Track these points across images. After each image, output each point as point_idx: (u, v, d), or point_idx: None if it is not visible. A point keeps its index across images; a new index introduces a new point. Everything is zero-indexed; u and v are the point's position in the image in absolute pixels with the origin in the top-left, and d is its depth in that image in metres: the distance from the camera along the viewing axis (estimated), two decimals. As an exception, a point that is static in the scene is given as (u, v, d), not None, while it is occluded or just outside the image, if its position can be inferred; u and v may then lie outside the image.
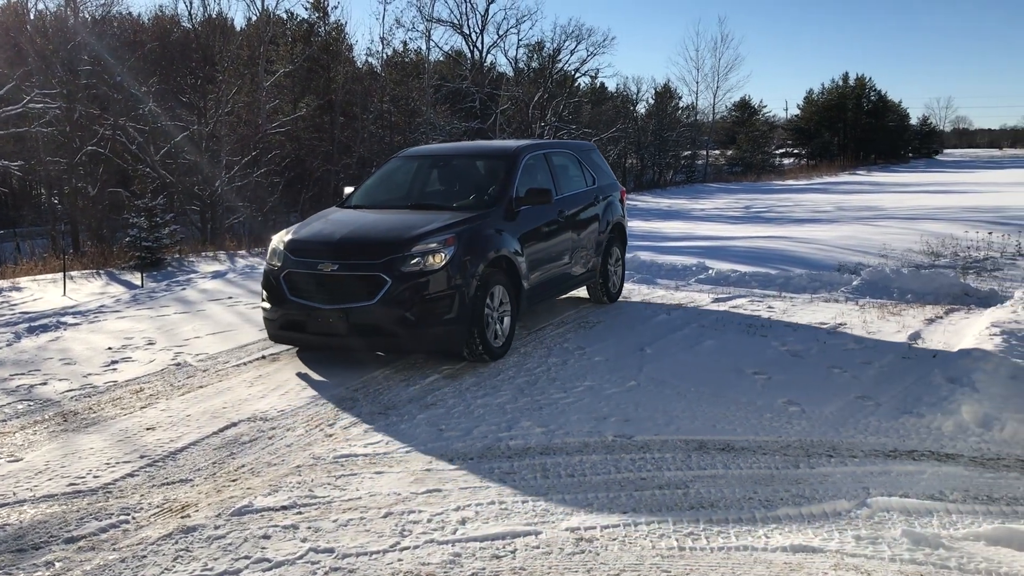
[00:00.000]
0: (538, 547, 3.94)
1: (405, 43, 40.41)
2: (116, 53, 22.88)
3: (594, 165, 9.82)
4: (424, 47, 38.73)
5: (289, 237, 7.34)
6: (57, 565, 3.85)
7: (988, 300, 9.63)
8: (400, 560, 3.83)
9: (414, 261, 6.67)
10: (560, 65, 41.08)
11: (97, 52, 22.32)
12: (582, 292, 9.82)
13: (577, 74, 42.49)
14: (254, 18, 28.78)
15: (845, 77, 75.27)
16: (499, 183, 7.98)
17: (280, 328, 7.14)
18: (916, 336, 7.86)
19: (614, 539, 4.00)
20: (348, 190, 8.84)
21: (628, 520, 4.19)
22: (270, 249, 7.42)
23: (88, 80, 22.23)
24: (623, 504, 4.39)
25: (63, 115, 21.36)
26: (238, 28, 30.90)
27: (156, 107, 22.63)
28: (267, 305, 7.19)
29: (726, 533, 4.06)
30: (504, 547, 3.94)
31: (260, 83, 26.06)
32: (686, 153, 52.00)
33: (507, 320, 7.37)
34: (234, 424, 5.71)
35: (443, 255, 6.73)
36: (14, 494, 4.65)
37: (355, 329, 6.72)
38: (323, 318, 6.77)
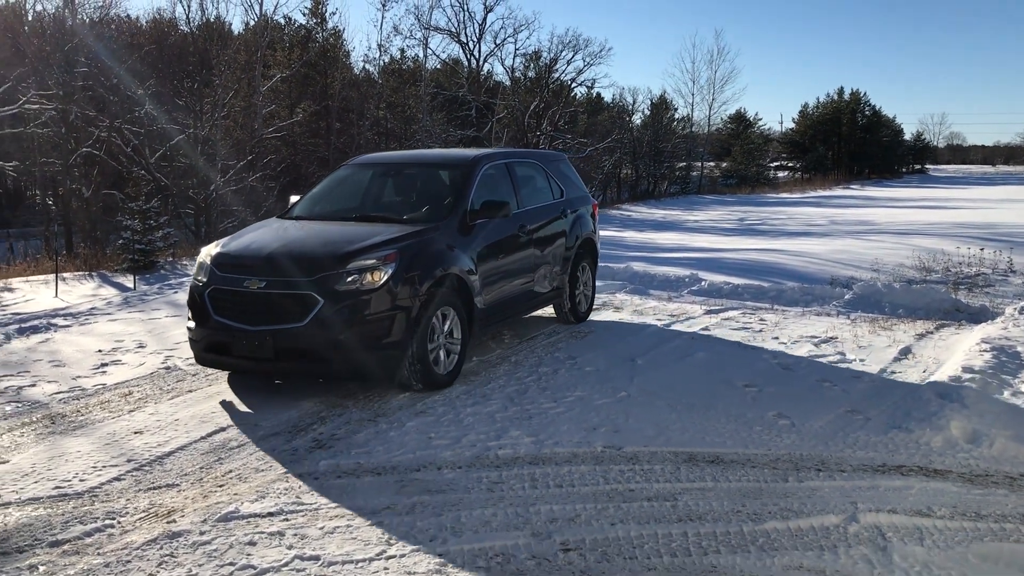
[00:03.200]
0: (525, 558, 3.93)
1: (403, 50, 40.52)
2: (113, 55, 22.82)
3: (562, 176, 9.24)
4: (421, 55, 38.75)
5: (217, 251, 6.70)
6: (41, 569, 3.82)
7: (979, 316, 9.66)
8: (386, 569, 3.82)
9: (350, 279, 6.09)
10: (557, 75, 41.12)
11: (95, 54, 22.28)
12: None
13: (574, 84, 42.55)
14: (252, 23, 28.82)
15: (840, 92, 75.70)
16: (453, 194, 7.38)
17: (204, 350, 6.48)
18: (907, 351, 7.88)
19: (601, 550, 3.99)
20: (293, 199, 8.20)
21: (616, 532, 4.18)
22: (197, 263, 6.79)
23: (85, 81, 22.18)
24: (611, 515, 4.38)
25: (59, 116, 21.32)
26: (236, 33, 30.92)
27: (152, 110, 22.59)
28: (191, 324, 6.55)
29: (715, 547, 4.05)
30: (491, 557, 3.93)
31: (257, 87, 26.07)
32: (681, 164, 52.06)
33: (457, 345, 6.80)
34: (223, 429, 5.69)
35: (383, 272, 6.15)
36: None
37: (283, 353, 6.08)
38: (248, 340, 6.11)
